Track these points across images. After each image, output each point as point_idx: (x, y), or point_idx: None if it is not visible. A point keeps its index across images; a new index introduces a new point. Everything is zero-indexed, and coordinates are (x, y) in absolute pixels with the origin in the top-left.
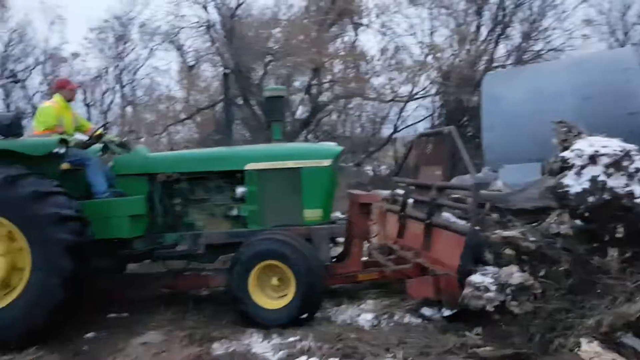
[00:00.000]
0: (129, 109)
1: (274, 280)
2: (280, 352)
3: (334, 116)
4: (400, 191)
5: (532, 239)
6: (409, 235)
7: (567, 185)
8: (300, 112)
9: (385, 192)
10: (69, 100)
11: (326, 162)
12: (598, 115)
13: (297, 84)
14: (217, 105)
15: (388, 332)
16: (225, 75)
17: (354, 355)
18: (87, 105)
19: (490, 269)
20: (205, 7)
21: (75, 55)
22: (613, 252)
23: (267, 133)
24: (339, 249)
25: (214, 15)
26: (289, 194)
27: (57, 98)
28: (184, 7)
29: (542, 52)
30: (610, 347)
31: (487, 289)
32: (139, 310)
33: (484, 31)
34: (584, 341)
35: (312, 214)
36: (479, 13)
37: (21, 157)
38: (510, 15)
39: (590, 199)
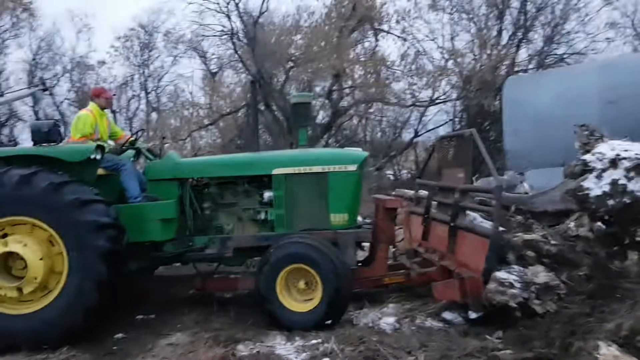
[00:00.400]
0: (154, 115)
1: (301, 284)
2: (304, 354)
3: (354, 121)
4: (424, 192)
5: (553, 242)
6: (434, 238)
7: (588, 189)
8: (321, 117)
9: (410, 192)
10: (104, 108)
11: (352, 167)
12: (623, 119)
13: (318, 89)
14: (239, 111)
15: (409, 335)
16: (253, 83)
17: (376, 358)
18: (113, 112)
19: (516, 267)
20: (228, 16)
21: (101, 63)
22: (633, 256)
23: (289, 138)
24: (364, 253)
25: (236, 24)
26: (315, 198)
27: (92, 106)
28: (207, 17)
29: (565, 56)
30: (629, 351)
31: (511, 285)
32: (166, 312)
33: (505, 36)
34: (602, 344)
35: (338, 218)
36: (500, 17)
37: (59, 163)
38: (532, 19)
39: (611, 202)
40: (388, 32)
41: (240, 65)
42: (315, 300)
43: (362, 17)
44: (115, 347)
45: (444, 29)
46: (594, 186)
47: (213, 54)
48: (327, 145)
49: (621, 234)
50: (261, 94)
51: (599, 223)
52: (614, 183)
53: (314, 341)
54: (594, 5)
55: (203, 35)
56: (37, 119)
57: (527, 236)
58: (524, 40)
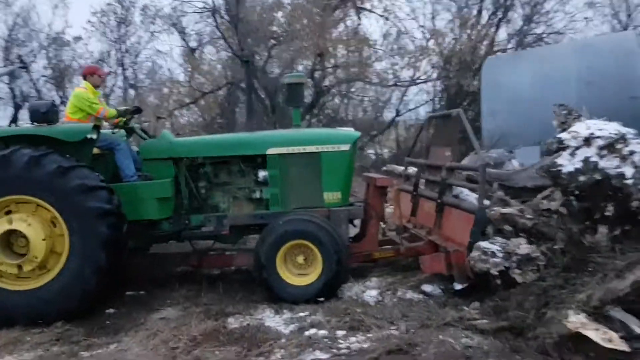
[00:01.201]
0: (131, 92)
1: (300, 259)
2: (292, 326)
3: (337, 100)
4: (412, 170)
5: (528, 216)
6: (422, 214)
7: (561, 165)
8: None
9: (400, 168)
10: (97, 86)
11: (345, 147)
12: (600, 100)
13: (300, 68)
14: (221, 89)
15: (391, 306)
16: (247, 62)
17: (360, 328)
18: None
19: (499, 238)
20: None
21: (77, 39)
22: (604, 230)
23: (272, 117)
24: (354, 230)
25: (219, 0)
26: (309, 177)
27: (86, 84)
28: None
29: (544, 35)
30: (597, 319)
31: (494, 255)
32: (155, 288)
33: (485, 15)
34: (572, 313)
35: (331, 196)
36: None
37: (57, 143)
38: None
39: (582, 178)
40: (370, 11)
41: (221, 42)
42: (314, 275)
43: None
44: (108, 322)
45: (425, 7)
46: (567, 163)
47: (192, 30)
48: (310, 124)
49: (592, 209)
50: (243, 73)
51: (572, 198)
52: (586, 160)
53: (301, 314)
54: None
55: (183, 12)
56: (14, 96)
57: (504, 210)
58: (504, 20)
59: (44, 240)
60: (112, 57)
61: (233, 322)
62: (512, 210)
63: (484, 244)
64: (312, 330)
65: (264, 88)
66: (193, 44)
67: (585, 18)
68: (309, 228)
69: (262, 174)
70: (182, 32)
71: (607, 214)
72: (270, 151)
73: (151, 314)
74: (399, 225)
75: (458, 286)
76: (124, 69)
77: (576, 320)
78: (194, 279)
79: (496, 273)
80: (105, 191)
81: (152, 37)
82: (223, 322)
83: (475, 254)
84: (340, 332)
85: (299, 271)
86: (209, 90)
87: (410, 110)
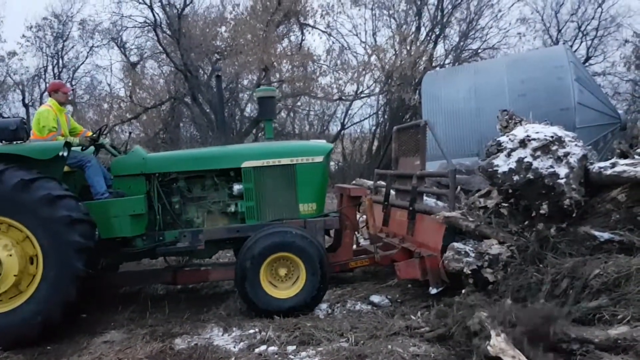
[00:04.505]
0: (69, 107)
1: (282, 271)
2: (241, 344)
3: (283, 114)
4: (380, 183)
5: (471, 219)
6: (394, 223)
7: (497, 165)
8: (250, 110)
9: (369, 182)
10: (63, 103)
11: (319, 159)
12: (533, 111)
13: (245, 82)
14: (164, 104)
15: (341, 319)
16: (218, 77)
17: (311, 342)
18: (26, 106)
19: (471, 240)
20: (151, 7)
21: (12, 54)
22: (539, 227)
23: (217, 132)
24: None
25: (159, 15)
26: (284, 189)
27: (51, 101)
28: (129, 8)
29: (480, 50)
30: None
31: (467, 254)
32: (97, 310)
33: (423, 31)
34: (493, 334)
35: (307, 207)
36: (418, 14)
37: (27, 161)
38: (448, 15)
39: (515, 177)
40: (313, 27)
41: (163, 57)
42: (297, 287)
43: (287, 11)
44: (49, 347)
45: (366, 24)
46: (503, 163)
47: (133, 45)
48: (256, 139)
49: (529, 207)
50: (188, 87)
51: (511, 197)
52: (519, 160)
53: (251, 330)
54: (506, 2)
55: (123, 26)
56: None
57: (448, 214)
58: (441, 36)
59: (10, 256)
60: (49, 73)
61: (180, 343)
62: (455, 213)
63: (457, 244)
64: (262, 347)
65: (209, 102)
66: (134, 58)
67: (519, 34)
68: (292, 240)
69: (237, 187)
70: (122, 47)
71: (542, 212)
72: (245, 164)
73: (94, 337)
74: (373, 234)
75: (433, 290)
76: None
77: (496, 345)
78: (138, 300)
79: (469, 272)
80: (71, 199)
81: (91, 51)
82: (170, 343)
83: (449, 253)
84: (290, 348)
85: (281, 284)
86: (151, 105)
87: (355, 123)
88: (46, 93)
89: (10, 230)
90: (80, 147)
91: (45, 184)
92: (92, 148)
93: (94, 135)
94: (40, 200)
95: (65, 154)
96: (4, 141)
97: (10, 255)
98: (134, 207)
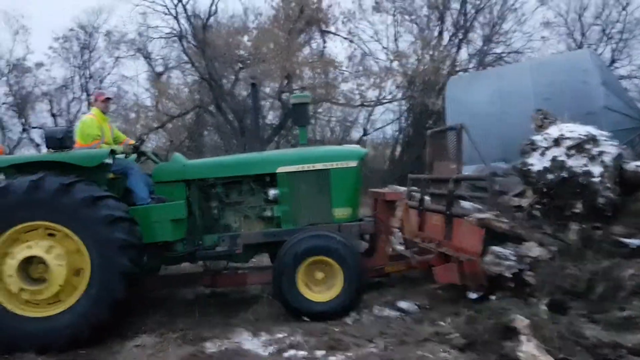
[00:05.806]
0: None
1: (319, 275)
2: (270, 348)
3: None
4: (415, 188)
5: (504, 220)
6: (429, 227)
7: (531, 164)
8: (272, 117)
9: (402, 188)
10: (105, 112)
11: (353, 163)
12: (558, 115)
13: (267, 90)
14: (189, 113)
15: (369, 324)
16: (253, 85)
17: (339, 347)
18: (53, 115)
19: (510, 244)
20: (177, 18)
21: (39, 65)
22: (574, 227)
23: (242, 140)
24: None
25: (184, 25)
26: (319, 194)
27: (95, 110)
28: (154, 19)
29: (503, 55)
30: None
31: (507, 258)
32: (127, 315)
33: (446, 36)
34: (524, 339)
35: (341, 212)
36: (441, 19)
37: (73, 169)
38: (471, 19)
39: (549, 176)
40: (335, 34)
41: (188, 66)
42: (334, 291)
43: (309, 19)
44: (82, 351)
45: (388, 30)
46: (537, 162)
47: (158, 55)
48: (278, 146)
49: (563, 207)
50: (212, 96)
51: (544, 197)
52: (553, 159)
53: (279, 335)
54: (529, 6)
55: (149, 37)
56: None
57: (480, 216)
58: (464, 41)
59: (60, 266)
60: (75, 83)
61: (211, 347)
62: (488, 215)
63: (497, 248)
64: (292, 352)
65: (233, 110)
66: (159, 68)
67: (542, 37)
68: (330, 244)
69: (272, 192)
70: (147, 57)
71: (575, 211)
72: (280, 169)
73: (125, 341)
74: (409, 239)
75: (473, 295)
76: (88, 95)
77: (528, 351)
78: (167, 304)
79: (510, 276)
80: (112, 199)
81: (117, 62)
82: (201, 347)
83: (489, 258)
84: (319, 352)
85: (315, 287)
86: (176, 114)
87: (377, 129)
88: (92, 100)
89: (65, 240)
90: (123, 155)
91: (85, 187)
92: (134, 155)
93: (137, 143)
94: (82, 202)
95: (111, 161)
96: (51, 149)
97: (61, 266)
98: (174, 213)
